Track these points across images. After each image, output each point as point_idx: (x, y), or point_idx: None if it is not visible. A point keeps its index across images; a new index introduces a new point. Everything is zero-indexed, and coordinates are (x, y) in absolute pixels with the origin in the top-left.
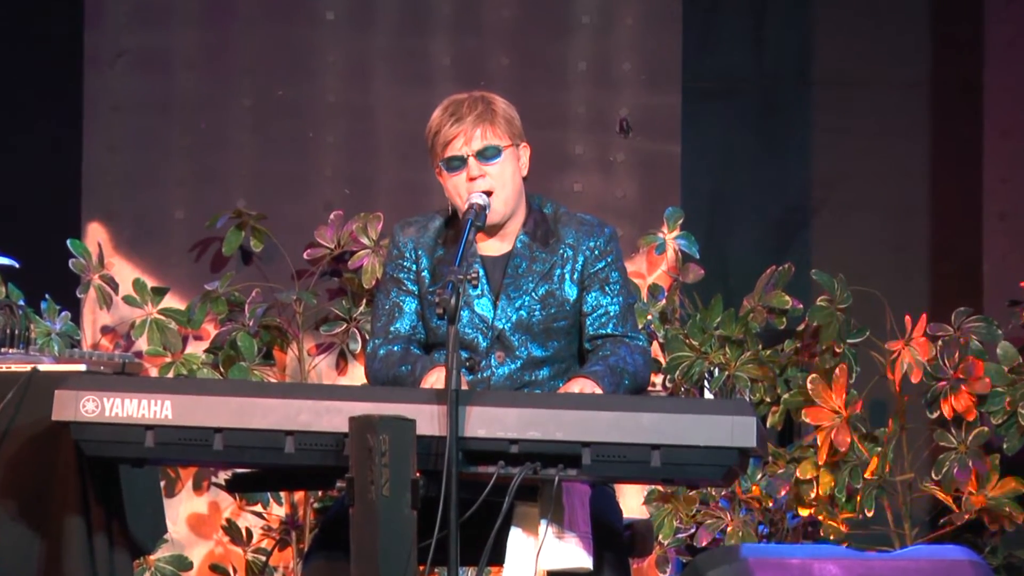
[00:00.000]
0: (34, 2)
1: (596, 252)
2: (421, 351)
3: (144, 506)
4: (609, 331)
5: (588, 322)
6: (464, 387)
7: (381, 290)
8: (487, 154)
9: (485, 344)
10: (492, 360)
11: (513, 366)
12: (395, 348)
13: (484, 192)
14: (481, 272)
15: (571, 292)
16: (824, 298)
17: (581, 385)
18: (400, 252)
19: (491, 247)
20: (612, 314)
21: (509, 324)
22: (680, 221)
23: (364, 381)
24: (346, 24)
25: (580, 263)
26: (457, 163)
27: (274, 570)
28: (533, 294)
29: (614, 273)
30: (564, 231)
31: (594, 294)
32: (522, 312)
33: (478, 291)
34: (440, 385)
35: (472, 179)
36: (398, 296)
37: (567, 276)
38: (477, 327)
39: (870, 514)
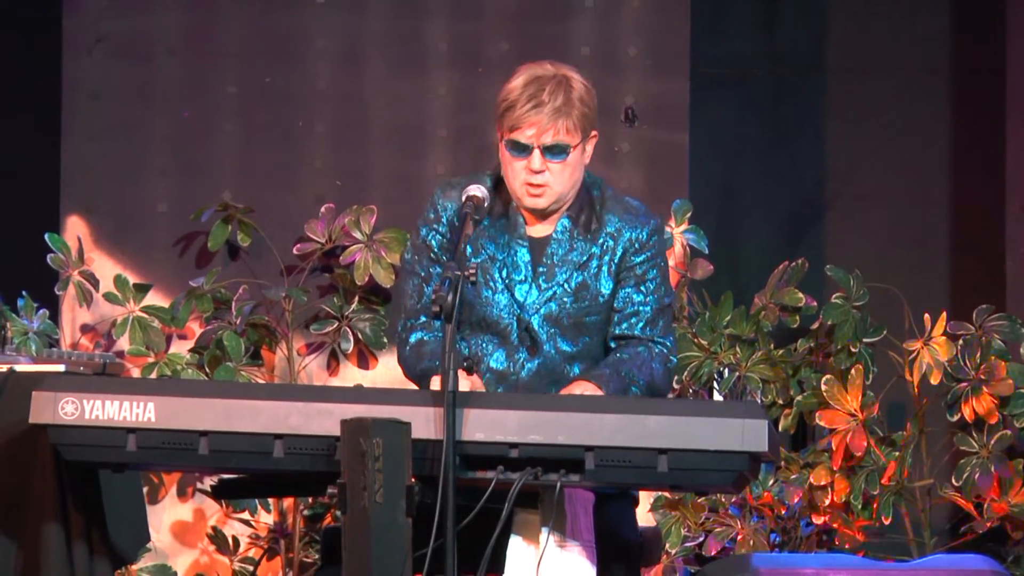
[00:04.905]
0: None
1: (636, 245)
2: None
3: (126, 513)
4: (636, 332)
5: (615, 319)
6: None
7: (413, 259)
8: (555, 151)
9: (516, 334)
10: (524, 353)
11: (541, 360)
12: (427, 337)
13: (540, 185)
14: (528, 256)
15: (606, 286)
16: (839, 295)
17: (582, 388)
18: (437, 216)
19: (536, 228)
20: (642, 314)
21: (538, 316)
22: (688, 214)
23: (357, 382)
24: (337, 7)
25: (619, 255)
26: (522, 149)
27: None
28: (566, 285)
29: (652, 271)
30: (608, 218)
31: (627, 290)
32: (552, 304)
33: (521, 275)
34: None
35: (533, 172)
36: (432, 266)
37: (604, 268)
38: (514, 313)
39: (887, 522)
